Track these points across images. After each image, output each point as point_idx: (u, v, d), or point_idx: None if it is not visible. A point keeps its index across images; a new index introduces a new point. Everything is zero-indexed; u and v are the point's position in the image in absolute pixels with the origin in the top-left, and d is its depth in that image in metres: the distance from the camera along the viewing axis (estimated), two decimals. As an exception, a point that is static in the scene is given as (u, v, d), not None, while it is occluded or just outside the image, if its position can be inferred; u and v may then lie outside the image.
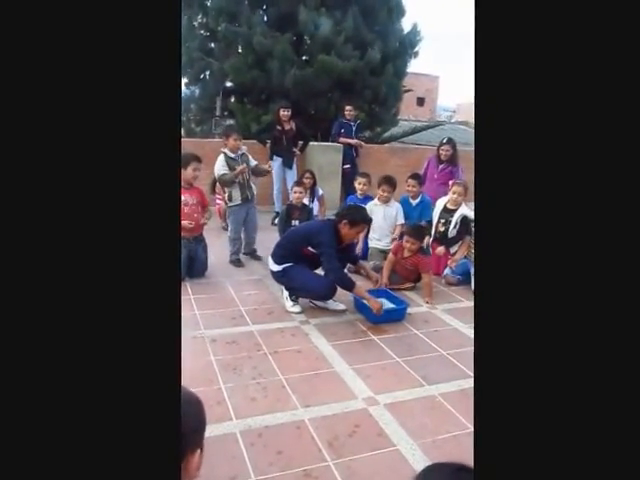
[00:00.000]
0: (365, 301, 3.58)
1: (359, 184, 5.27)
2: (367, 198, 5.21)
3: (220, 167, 4.56)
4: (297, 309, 3.74)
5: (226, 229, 5.67)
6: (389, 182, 4.92)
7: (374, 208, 4.90)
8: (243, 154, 4.71)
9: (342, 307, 3.78)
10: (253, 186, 4.77)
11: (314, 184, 5.71)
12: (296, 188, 5.10)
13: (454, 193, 4.68)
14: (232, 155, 4.60)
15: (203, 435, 1.10)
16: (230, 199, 4.67)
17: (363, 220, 3.75)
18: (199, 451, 1.06)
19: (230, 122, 9.59)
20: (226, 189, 4.70)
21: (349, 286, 3.61)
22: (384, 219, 4.92)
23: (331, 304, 3.79)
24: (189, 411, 1.03)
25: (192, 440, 1.04)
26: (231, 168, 4.55)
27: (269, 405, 2.47)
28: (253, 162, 4.81)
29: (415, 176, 5.24)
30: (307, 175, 5.65)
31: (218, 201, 6.04)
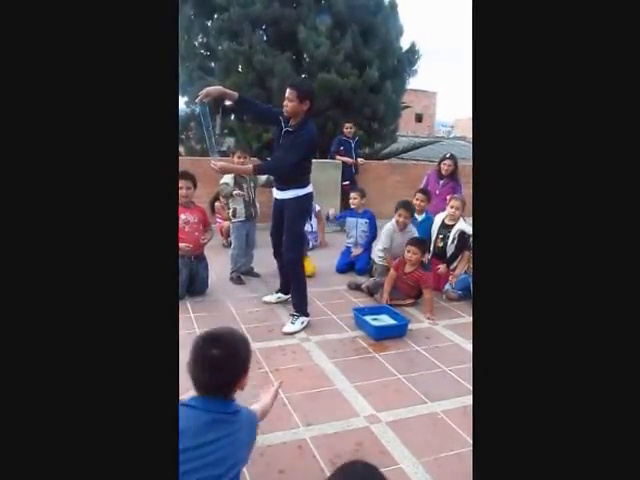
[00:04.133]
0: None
1: (352, 198, 5.39)
2: (367, 212, 5.26)
3: (228, 178, 4.61)
4: (297, 327, 3.65)
5: (227, 246, 5.66)
6: (407, 207, 4.65)
7: (394, 235, 4.68)
8: None
9: (292, 330, 3.61)
10: (257, 204, 4.81)
11: None
12: None
13: (452, 207, 4.71)
14: None
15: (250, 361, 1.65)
16: (234, 215, 4.70)
17: (292, 84, 3.50)
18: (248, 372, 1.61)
19: (230, 140, 9.65)
20: (231, 205, 4.72)
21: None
22: (402, 244, 4.57)
23: (287, 325, 3.65)
24: (244, 343, 1.64)
25: (246, 365, 1.62)
26: (237, 184, 4.62)
27: (270, 423, 2.44)
28: (263, 177, 4.76)
29: (424, 191, 5.24)
30: None
31: (218, 220, 6.05)
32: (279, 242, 3.83)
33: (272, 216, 3.86)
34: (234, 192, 4.55)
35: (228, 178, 4.65)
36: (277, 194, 3.69)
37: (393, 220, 4.69)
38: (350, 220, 5.37)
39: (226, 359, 1.54)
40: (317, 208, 5.99)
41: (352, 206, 5.39)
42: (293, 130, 3.45)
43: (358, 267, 5.14)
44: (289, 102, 3.35)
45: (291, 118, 3.43)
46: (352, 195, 5.43)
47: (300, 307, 3.77)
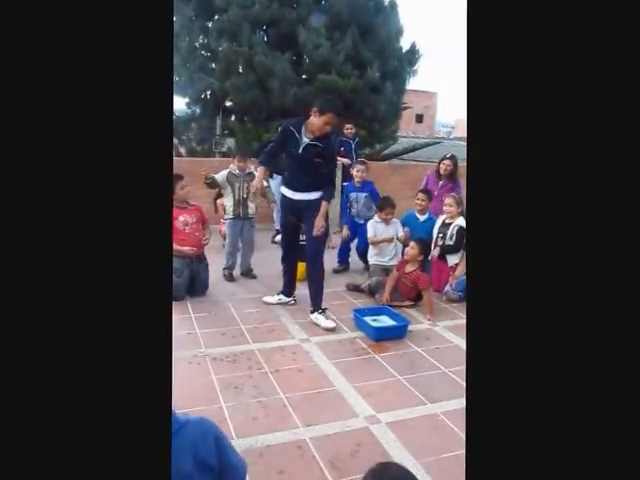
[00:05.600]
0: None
1: (357, 171, 5.36)
2: (366, 184, 5.31)
3: (219, 175, 4.75)
4: (331, 324, 3.76)
5: None
6: (389, 204, 4.97)
7: (376, 225, 4.95)
8: (250, 173, 4.80)
9: (332, 325, 3.74)
10: (251, 204, 4.83)
11: None
12: None
13: (446, 205, 4.79)
14: (236, 172, 4.76)
15: None
16: (225, 211, 4.86)
17: (334, 110, 3.68)
18: None
19: (230, 141, 9.66)
20: (224, 202, 4.86)
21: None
22: (385, 233, 4.96)
23: (322, 321, 3.76)
24: None
25: None
26: (230, 183, 4.74)
27: (270, 424, 2.45)
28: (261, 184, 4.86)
29: (425, 191, 5.28)
30: None
31: (222, 220, 6.02)
32: (291, 244, 4.04)
33: (284, 219, 4.02)
34: (207, 180, 4.67)
35: (219, 176, 4.74)
36: (296, 195, 3.83)
37: (376, 216, 5.01)
38: (351, 195, 5.39)
39: None
40: None
41: (356, 180, 5.37)
42: (318, 144, 3.65)
43: (357, 246, 5.29)
44: (313, 118, 3.59)
45: (314, 133, 3.64)
46: (359, 168, 5.38)
47: (319, 299, 3.88)
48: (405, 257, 4.31)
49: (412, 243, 4.30)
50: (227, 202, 4.81)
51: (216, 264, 4.71)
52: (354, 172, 5.43)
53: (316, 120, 3.59)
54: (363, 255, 5.19)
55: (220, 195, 5.87)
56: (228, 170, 4.78)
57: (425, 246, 4.38)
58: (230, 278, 4.76)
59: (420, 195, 5.14)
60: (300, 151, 3.68)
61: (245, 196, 4.77)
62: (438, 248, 4.71)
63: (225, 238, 5.85)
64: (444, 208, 4.81)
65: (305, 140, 3.68)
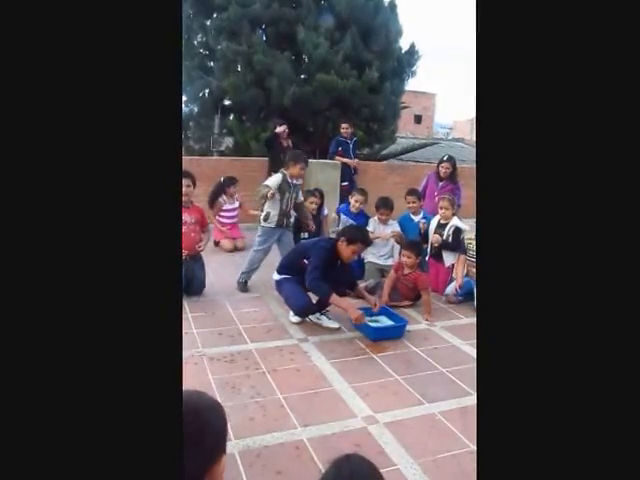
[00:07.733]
0: (346, 311, 3.63)
1: (355, 201, 5.19)
2: (361, 215, 5.19)
3: (273, 182, 4.38)
4: (296, 319, 3.84)
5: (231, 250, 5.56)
6: (386, 205, 4.93)
7: (376, 224, 4.96)
8: (297, 185, 4.56)
9: (336, 325, 3.78)
10: (292, 213, 4.64)
11: (321, 204, 5.51)
12: (311, 198, 5.05)
13: (441, 208, 4.79)
14: (290, 180, 4.43)
15: (226, 439, 1.09)
16: (266, 219, 4.45)
17: (361, 239, 3.79)
18: (224, 456, 1.04)
19: (229, 140, 9.64)
20: (265, 208, 4.46)
21: (324, 294, 3.63)
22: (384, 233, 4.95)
23: (325, 321, 3.80)
24: (215, 415, 1.06)
25: (220, 445, 1.04)
26: (281, 191, 4.39)
27: (268, 424, 2.45)
28: (300, 198, 4.69)
29: (413, 192, 5.24)
30: (315, 194, 5.39)
31: (219, 217, 5.97)
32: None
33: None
34: (269, 193, 4.27)
35: (272, 183, 4.38)
36: None
37: (376, 216, 5.02)
38: (344, 218, 5.27)
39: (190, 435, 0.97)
40: (325, 211, 5.88)
41: (352, 208, 5.28)
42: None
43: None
44: (340, 246, 3.78)
45: (343, 259, 3.87)
46: (357, 198, 5.22)
47: (325, 305, 3.88)
48: (404, 265, 4.27)
49: (407, 252, 4.24)
50: (272, 210, 4.40)
51: (213, 263, 4.69)
52: (352, 200, 5.28)
53: (344, 248, 3.75)
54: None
55: (219, 193, 5.82)
56: (281, 177, 4.41)
57: (418, 248, 4.37)
58: (244, 288, 4.49)
59: (409, 198, 5.15)
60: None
61: (290, 207, 4.53)
62: (438, 237, 4.70)
63: (217, 244, 5.78)
64: (439, 212, 4.79)
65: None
